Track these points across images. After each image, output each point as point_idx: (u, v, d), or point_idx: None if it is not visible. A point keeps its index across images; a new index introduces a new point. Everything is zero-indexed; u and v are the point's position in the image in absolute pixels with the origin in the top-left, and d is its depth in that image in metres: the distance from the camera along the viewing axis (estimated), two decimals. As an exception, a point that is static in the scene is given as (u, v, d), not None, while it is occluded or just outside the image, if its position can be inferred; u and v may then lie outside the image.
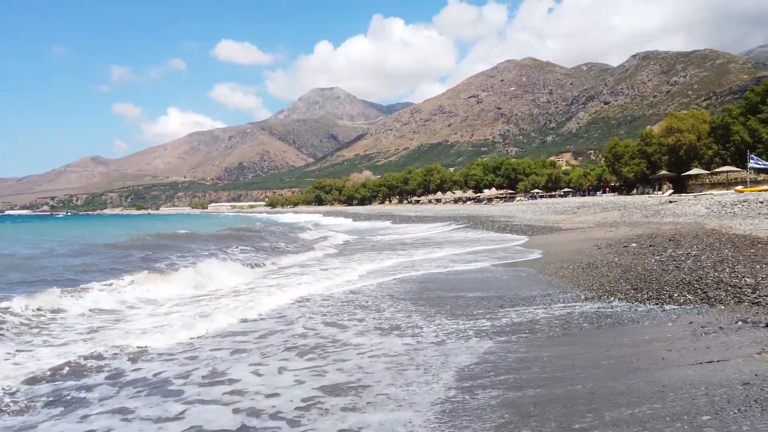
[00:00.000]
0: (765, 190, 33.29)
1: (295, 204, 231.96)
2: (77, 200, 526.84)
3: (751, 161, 39.98)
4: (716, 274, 8.51)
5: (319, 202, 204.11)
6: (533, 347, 5.98)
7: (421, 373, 5.29)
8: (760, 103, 47.76)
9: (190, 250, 19.78)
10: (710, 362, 4.69)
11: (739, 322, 5.78)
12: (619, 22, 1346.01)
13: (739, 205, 24.30)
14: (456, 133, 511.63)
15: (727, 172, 49.62)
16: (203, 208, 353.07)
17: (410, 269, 13.82)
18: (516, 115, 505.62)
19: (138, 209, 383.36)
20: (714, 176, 56.27)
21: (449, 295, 9.69)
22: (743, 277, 8.01)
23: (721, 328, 5.69)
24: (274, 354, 6.21)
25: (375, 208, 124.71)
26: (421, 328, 7.21)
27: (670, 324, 6.16)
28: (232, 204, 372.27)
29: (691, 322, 6.09)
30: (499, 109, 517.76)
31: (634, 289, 8.19)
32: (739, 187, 41.46)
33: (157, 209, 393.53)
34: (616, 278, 9.33)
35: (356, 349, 6.30)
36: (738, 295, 6.96)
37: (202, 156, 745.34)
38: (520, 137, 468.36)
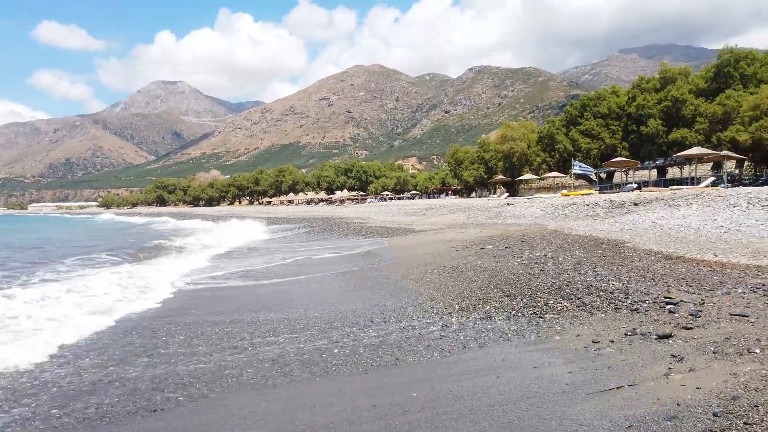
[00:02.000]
0: (587, 194, 37.12)
1: (134, 204, 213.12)
2: None
3: (575, 167, 44.42)
4: (582, 277, 8.42)
5: (162, 202, 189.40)
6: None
7: None
8: (578, 116, 53.53)
9: None
10: (620, 388, 4.14)
11: (628, 334, 5.43)
12: (458, 37, 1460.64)
13: (570, 208, 26.43)
14: (308, 135, 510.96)
15: (553, 177, 54.93)
16: (22, 208, 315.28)
17: (222, 279, 11.98)
18: (365, 119, 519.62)
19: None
20: (542, 181, 62.22)
21: (214, 320, 7.59)
22: (609, 280, 7.97)
23: (612, 341, 5.28)
24: None
25: (224, 209, 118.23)
26: None
27: (558, 338, 5.66)
28: (57, 204, 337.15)
29: (578, 335, 5.64)
30: (350, 112, 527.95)
31: (507, 296, 7.71)
32: (564, 191, 46.01)
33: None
34: (486, 284, 8.87)
35: None
36: (613, 302, 6.77)
37: (20, 150, 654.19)
38: (370, 141, 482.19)
